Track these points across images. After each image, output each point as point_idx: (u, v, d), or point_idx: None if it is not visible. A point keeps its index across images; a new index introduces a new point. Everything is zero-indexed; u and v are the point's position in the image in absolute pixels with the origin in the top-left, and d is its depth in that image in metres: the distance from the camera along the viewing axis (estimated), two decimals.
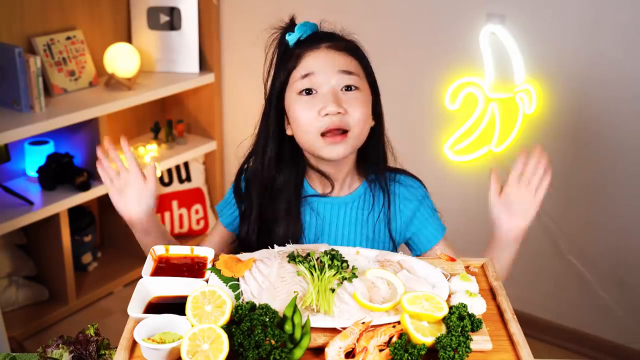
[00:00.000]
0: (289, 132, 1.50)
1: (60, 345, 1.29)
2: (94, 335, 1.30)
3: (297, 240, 1.50)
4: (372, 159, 1.54)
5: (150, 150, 3.36)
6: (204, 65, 3.46)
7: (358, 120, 1.42)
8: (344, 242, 1.53)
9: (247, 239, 1.53)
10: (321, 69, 1.42)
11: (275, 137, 1.49)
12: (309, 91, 1.42)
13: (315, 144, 1.44)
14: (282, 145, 1.51)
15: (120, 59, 3.12)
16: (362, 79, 1.45)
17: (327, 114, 1.40)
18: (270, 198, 1.51)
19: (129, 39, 3.38)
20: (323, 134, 1.42)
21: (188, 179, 3.60)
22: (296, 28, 1.47)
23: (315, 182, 1.55)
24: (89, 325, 1.33)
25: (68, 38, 3.05)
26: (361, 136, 1.46)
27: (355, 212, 1.54)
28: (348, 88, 1.43)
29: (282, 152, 1.51)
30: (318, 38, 1.46)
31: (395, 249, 1.59)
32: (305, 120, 1.42)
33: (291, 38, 1.46)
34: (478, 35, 2.75)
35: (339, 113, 1.40)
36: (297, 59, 1.45)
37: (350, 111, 1.41)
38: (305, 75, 1.42)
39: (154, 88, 3.19)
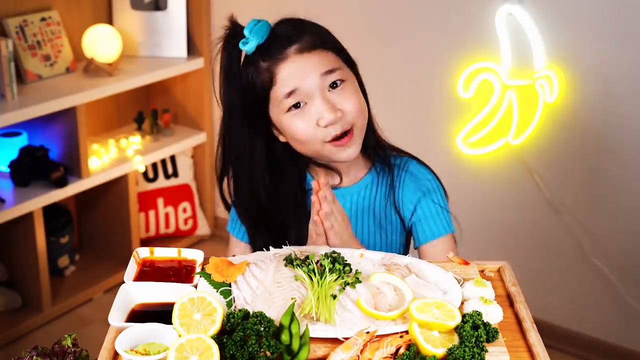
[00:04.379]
0: (282, 139, 1.53)
1: (34, 357, 1.29)
2: (71, 346, 1.30)
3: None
4: (370, 142, 1.57)
5: (133, 142, 3.36)
6: (192, 49, 3.46)
7: (356, 114, 1.47)
8: (355, 231, 1.56)
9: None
10: (302, 80, 1.44)
11: (261, 148, 1.53)
12: (297, 104, 1.46)
13: (323, 151, 1.48)
14: (270, 153, 1.54)
15: (100, 42, 3.12)
16: (343, 69, 1.48)
17: (327, 125, 1.44)
18: (275, 205, 1.55)
19: (109, 20, 3.37)
20: (328, 141, 1.47)
21: (175, 174, 3.61)
22: (247, 33, 1.43)
23: (319, 175, 1.59)
24: (65, 335, 1.33)
25: (43, 19, 3.05)
26: (365, 126, 1.51)
27: (362, 200, 1.58)
28: (334, 85, 1.46)
29: (272, 159, 1.54)
30: (280, 42, 1.45)
31: (407, 236, 1.64)
32: (305, 133, 1.46)
33: (248, 47, 1.44)
34: (494, 16, 2.74)
35: (337, 117, 1.44)
36: (269, 74, 1.45)
37: (345, 108, 1.46)
38: (290, 94, 1.45)
39: (138, 74, 3.19)
